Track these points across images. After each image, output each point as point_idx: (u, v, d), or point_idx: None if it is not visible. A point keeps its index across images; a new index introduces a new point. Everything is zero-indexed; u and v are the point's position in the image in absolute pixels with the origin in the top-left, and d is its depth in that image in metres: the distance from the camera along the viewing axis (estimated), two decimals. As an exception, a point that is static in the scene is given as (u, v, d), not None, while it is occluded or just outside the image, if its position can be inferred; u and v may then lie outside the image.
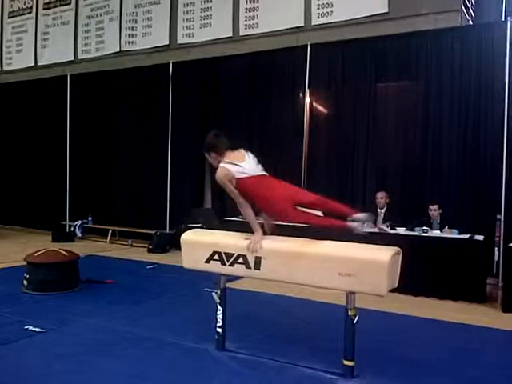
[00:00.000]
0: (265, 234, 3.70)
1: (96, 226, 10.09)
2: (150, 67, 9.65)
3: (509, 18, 6.50)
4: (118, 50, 10.37)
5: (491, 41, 6.60)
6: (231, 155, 3.67)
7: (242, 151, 3.72)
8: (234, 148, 3.74)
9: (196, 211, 8.83)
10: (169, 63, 9.28)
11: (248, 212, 3.61)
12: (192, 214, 8.63)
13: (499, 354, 4.09)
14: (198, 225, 7.29)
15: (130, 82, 9.93)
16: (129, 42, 10.25)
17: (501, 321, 4.96)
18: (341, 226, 3.46)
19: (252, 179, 3.58)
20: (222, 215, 7.94)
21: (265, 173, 3.70)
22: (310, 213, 3.58)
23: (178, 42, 9.65)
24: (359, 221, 3.39)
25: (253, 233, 3.62)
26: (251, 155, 3.71)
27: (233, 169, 3.56)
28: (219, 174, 3.59)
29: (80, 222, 10.18)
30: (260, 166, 3.70)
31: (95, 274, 6.22)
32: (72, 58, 11.07)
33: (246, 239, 3.61)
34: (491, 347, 4.25)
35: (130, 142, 10.01)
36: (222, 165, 3.60)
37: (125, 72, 9.95)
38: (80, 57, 10.98)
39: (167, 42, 9.78)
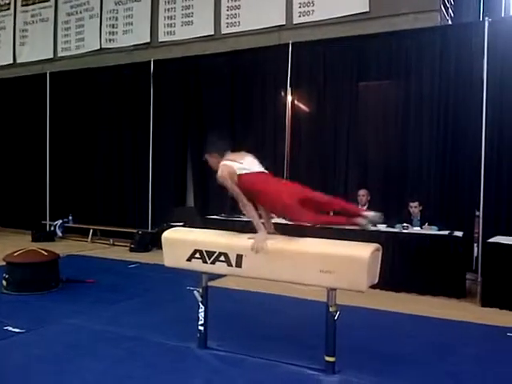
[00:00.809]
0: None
1: (77, 226, 9.99)
2: (130, 65, 9.57)
3: (486, 18, 6.60)
4: (98, 47, 10.27)
5: (470, 40, 6.67)
6: (231, 155, 3.69)
7: (242, 153, 3.74)
8: (234, 151, 3.77)
9: (178, 210, 8.81)
10: (150, 61, 9.22)
11: (250, 211, 3.57)
12: (174, 212, 8.60)
13: (478, 348, 4.16)
14: (181, 223, 7.27)
15: (111, 79, 9.84)
16: (109, 40, 10.16)
17: (479, 315, 5.05)
18: (347, 223, 3.54)
19: (253, 175, 3.58)
20: (205, 214, 7.94)
21: (266, 172, 3.73)
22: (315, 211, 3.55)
23: (160, 39, 9.60)
24: (371, 221, 3.41)
25: (252, 232, 3.59)
26: (253, 157, 3.74)
27: (234, 165, 3.56)
28: (220, 172, 3.56)
29: (60, 221, 10.07)
30: (262, 167, 3.72)
31: (76, 274, 6.17)
32: (51, 56, 10.93)
33: (250, 239, 3.54)
34: (470, 341, 4.32)
35: (110, 140, 9.92)
36: (223, 163, 3.60)
37: (105, 70, 9.85)
38: (60, 54, 10.85)
39: (148, 40, 9.71)
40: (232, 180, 3.53)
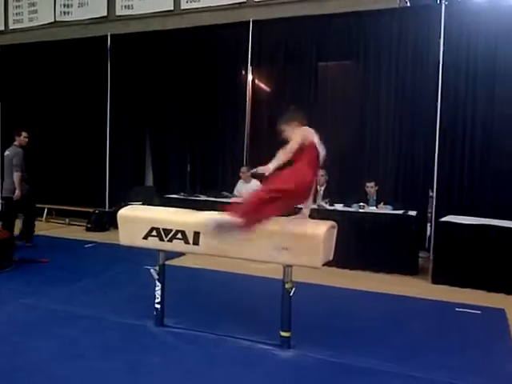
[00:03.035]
0: None
1: (31, 205, 9.69)
2: (86, 39, 9.25)
3: (443, 1, 6.70)
4: (52, 20, 9.89)
5: (427, 22, 6.80)
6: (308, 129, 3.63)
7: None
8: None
9: (137, 189, 8.67)
10: (107, 35, 8.97)
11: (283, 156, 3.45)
12: (133, 191, 8.47)
13: (427, 323, 4.31)
14: (139, 202, 7.16)
15: (66, 54, 9.47)
16: (64, 13, 9.78)
17: (430, 292, 5.23)
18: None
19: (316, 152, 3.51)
20: (164, 193, 7.86)
21: None
22: None
23: (117, 13, 9.30)
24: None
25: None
26: None
27: (315, 138, 3.52)
28: (301, 131, 3.53)
29: (14, 200, 9.73)
30: None
31: (30, 254, 6.02)
32: (3, 28, 10.44)
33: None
34: (421, 316, 4.47)
35: (66, 116, 9.59)
36: (304, 127, 3.59)
37: (60, 44, 9.49)
38: (11, 27, 10.37)
39: (105, 14, 9.41)
40: (302, 140, 3.45)
